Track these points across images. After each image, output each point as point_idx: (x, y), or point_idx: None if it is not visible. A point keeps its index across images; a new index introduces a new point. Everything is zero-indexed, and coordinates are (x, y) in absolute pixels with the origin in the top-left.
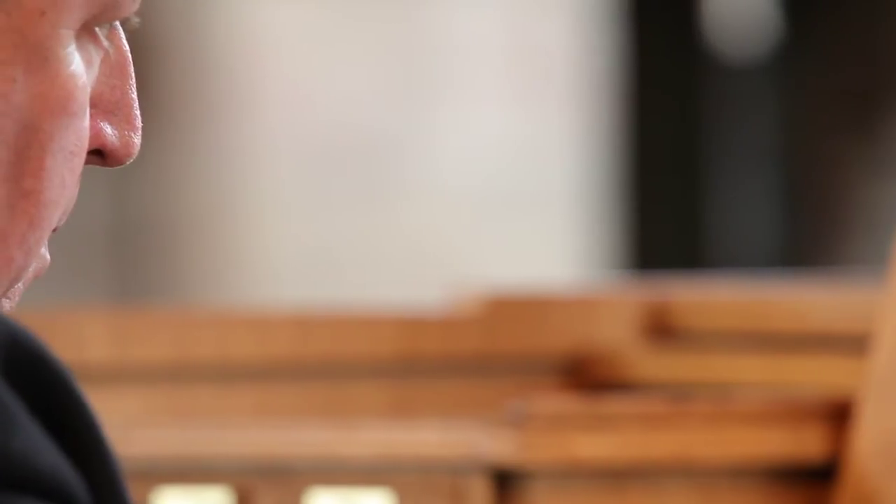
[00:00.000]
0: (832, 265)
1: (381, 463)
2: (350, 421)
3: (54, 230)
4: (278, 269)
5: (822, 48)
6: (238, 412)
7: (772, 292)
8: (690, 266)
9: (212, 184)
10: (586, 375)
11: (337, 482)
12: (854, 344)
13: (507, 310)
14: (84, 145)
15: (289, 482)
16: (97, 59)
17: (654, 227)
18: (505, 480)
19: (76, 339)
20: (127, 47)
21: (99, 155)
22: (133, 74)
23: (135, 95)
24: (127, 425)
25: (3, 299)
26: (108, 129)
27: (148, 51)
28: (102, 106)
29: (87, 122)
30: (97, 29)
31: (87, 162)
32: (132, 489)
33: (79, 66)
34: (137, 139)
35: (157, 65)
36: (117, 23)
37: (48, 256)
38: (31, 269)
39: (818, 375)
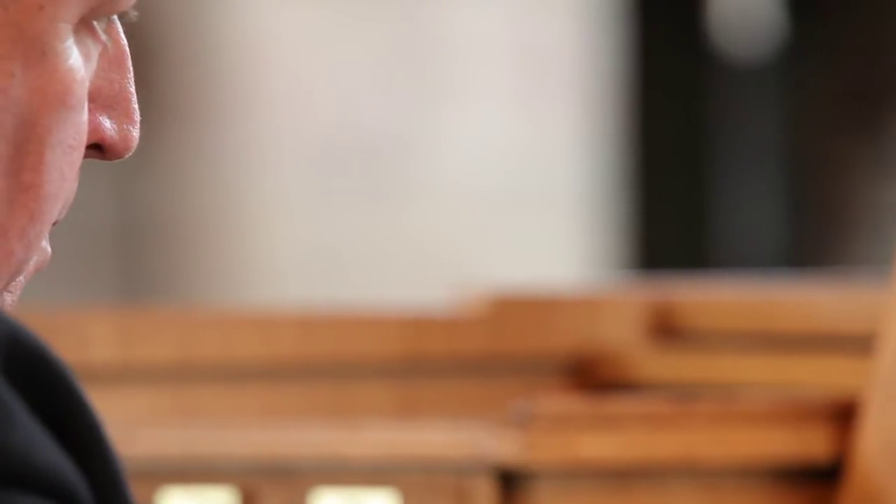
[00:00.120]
0: (837, 265)
1: (385, 463)
2: (355, 421)
3: (54, 223)
4: (283, 269)
5: (828, 49)
6: (243, 412)
7: (777, 292)
8: (695, 266)
9: (216, 184)
10: (591, 375)
11: (341, 482)
12: (859, 344)
13: (512, 310)
14: (83, 139)
15: (293, 482)
16: (95, 53)
17: (659, 228)
18: (509, 480)
19: (81, 339)
20: (125, 41)
21: (98, 149)
22: (131, 68)
23: (133, 89)
24: (131, 425)
25: (5, 293)
26: (106, 123)
27: (153, 51)
28: (101, 100)
29: (85, 115)
30: (95, 23)
31: (86, 156)
32: (136, 489)
33: (77, 60)
34: (136, 133)
35: (161, 65)
36: (115, 17)
37: (49, 249)
38: (32, 263)
39: (823, 376)
